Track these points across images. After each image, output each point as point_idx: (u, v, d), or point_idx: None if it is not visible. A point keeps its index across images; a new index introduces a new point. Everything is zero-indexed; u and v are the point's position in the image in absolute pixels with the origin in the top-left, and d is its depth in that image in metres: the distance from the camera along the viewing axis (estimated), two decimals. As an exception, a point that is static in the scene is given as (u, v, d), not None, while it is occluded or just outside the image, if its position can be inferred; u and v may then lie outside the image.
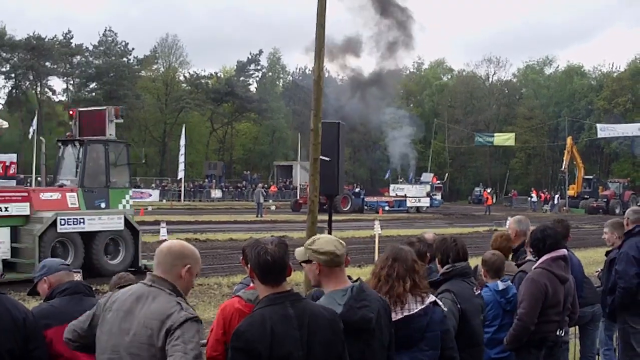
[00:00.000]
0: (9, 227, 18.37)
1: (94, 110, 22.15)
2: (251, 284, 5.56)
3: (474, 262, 7.57)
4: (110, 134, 20.72)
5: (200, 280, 18.49)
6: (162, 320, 3.98)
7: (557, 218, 9.65)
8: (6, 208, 18.25)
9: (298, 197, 61.60)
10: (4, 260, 18.11)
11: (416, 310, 4.93)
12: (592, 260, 20.87)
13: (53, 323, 4.95)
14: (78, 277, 5.44)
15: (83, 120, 21.15)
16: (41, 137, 27.42)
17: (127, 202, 21.22)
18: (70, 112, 22.29)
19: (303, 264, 4.67)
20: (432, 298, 5.07)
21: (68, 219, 18.90)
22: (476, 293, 6.18)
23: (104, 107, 21.63)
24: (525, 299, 6.82)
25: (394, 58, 51.93)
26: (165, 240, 27.89)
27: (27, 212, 18.68)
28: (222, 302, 5.74)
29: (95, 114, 21.37)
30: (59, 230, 18.66)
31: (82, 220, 19.21)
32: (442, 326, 5.07)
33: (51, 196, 19.30)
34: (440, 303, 5.13)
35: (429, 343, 4.99)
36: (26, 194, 19.05)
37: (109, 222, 19.93)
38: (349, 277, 4.66)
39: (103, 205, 20.43)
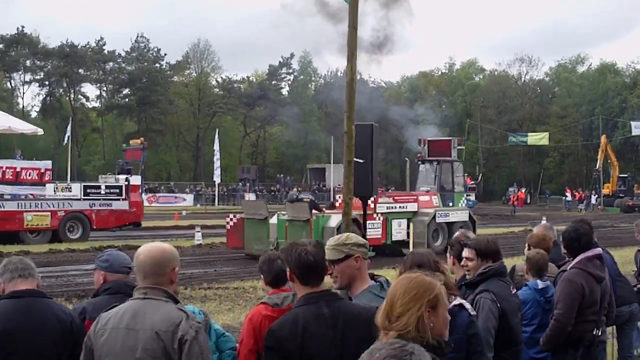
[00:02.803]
0: (407, 219, 26.64)
1: (441, 140, 33.45)
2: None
3: (510, 262, 7.55)
4: (454, 156, 31.18)
5: (235, 284, 18.57)
6: (172, 330, 3.92)
7: (580, 218, 9.55)
8: (405, 207, 26.89)
9: (332, 199, 61.39)
10: (402, 241, 26.12)
11: None
12: (628, 259, 20.64)
13: (86, 316, 5.02)
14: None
15: (431, 146, 31.92)
16: (406, 158, 38.42)
17: (464, 201, 30.92)
18: (420, 140, 32.99)
19: (334, 265, 4.48)
20: (457, 301, 4.90)
21: (441, 213, 27.51)
22: (512, 292, 6.15)
23: (450, 138, 33.66)
24: (561, 300, 6.78)
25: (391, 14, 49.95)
26: (201, 244, 28.09)
27: (415, 209, 27.14)
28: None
29: (442, 142, 32.44)
30: (437, 221, 27.14)
31: (447, 214, 27.83)
32: (469, 330, 4.85)
33: (425, 198, 28.03)
34: (468, 306, 4.94)
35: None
36: (415, 197, 27.86)
37: (460, 215, 28.36)
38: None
39: (451, 204, 29.34)
